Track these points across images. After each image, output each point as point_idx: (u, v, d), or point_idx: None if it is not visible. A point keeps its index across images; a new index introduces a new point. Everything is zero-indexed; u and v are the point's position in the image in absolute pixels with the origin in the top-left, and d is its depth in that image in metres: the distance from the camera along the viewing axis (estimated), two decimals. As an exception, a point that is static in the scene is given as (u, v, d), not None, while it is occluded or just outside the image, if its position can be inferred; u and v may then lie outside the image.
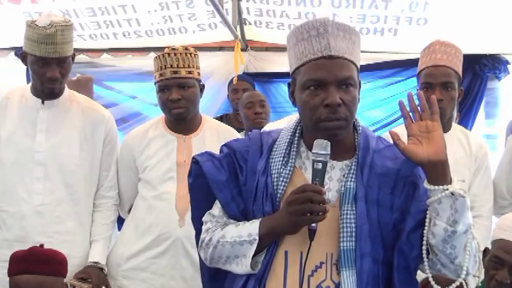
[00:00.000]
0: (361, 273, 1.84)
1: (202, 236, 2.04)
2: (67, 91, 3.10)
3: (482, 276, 2.69)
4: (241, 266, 1.92)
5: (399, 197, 1.90)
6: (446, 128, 3.14)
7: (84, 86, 4.40)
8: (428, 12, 4.83)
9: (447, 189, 1.79)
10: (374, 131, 5.08)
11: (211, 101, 5.28)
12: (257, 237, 1.87)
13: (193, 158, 2.08)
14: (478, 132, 4.94)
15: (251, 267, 1.90)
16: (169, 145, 3.04)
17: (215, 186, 1.98)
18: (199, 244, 2.05)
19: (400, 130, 3.20)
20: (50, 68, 2.89)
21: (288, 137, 1.97)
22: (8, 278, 2.59)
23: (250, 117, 4.33)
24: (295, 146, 1.96)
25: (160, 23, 5.28)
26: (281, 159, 1.94)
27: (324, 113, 1.84)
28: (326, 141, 1.83)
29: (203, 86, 3.11)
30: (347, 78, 1.86)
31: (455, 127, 3.22)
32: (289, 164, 1.93)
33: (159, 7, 5.10)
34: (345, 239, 1.85)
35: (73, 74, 4.71)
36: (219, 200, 2.00)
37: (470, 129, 4.85)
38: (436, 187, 1.81)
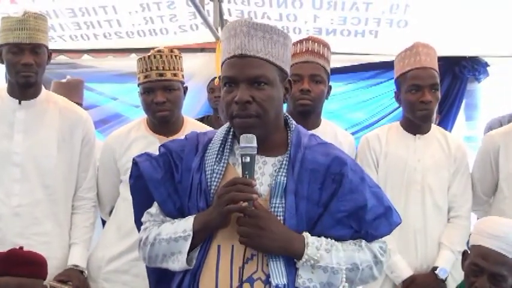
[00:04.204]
0: (290, 265, 1.90)
1: (140, 235, 2.08)
2: (44, 91, 3.08)
3: (461, 277, 2.71)
4: (178, 263, 1.95)
5: (326, 192, 1.95)
6: (425, 129, 3.16)
7: (74, 89, 4.36)
8: (409, 14, 4.86)
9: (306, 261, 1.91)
10: (356, 132, 5.12)
11: (192, 102, 5.26)
12: (191, 233, 1.91)
13: (133, 159, 2.13)
14: (458, 134, 4.98)
15: (187, 263, 1.94)
16: (151, 147, 3.00)
17: (151, 184, 2.03)
18: (138, 243, 2.08)
19: (380, 131, 3.25)
20: (23, 55, 2.89)
21: (222, 135, 2.04)
22: (-14, 281, 2.57)
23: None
24: (229, 143, 2.03)
25: (141, 24, 5.26)
26: (215, 156, 2.00)
27: (235, 110, 1.92)
28: (251, 135, 1.90)
29: (186, 88, 3.11)
30: (257, 76, 1.92)
31: (435, 128, 3.24)
32: (223, 161, 1.99)
33: (140, 8, 5.08)
34: None
35: (57, 76, 4.71)
36: (155, 198, 2.04)
37: (450, 131, 4.88)
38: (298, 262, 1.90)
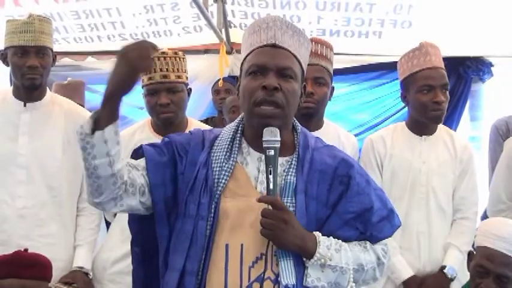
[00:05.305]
0: (299, 264, 1.89)
1: None
2: (49, 94, 3.10)
3: (467, 278, 2.70)
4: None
5: (334, 193, 1.96)
6: (432, 130, 3.14)
7: (75, 91, 4.38)
8: (413, 15, 4.85)
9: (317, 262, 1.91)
10: (360, 133, 5.12)
11: (196, 104, 5.27)
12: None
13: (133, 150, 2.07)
14: (462, 135, 4.97)
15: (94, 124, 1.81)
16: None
17: (150, 164, 1.97)
18: None
19: (385, 132, 3.24)
20: (29, 57, 2.91)
21: (231, 133, 2.04)
22: (-9, 283, 2.57)
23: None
24: (237, 142, 2.02)
25: (145, 26, 5.25)
26: (223, 153, 1.99)
27: (261, 95, 1.91)
28: (275, 128, 1.90)
29: (190, 89, 3.11)
30: (287, 67, 1.94)
31: (441, 129, 3.19)
32: (232, 159, 1.99)
33: (143, 10, 5.08)
34: None
35: (62, 78, 4.72)
36: (150, 179, 1.96)
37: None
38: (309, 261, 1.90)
